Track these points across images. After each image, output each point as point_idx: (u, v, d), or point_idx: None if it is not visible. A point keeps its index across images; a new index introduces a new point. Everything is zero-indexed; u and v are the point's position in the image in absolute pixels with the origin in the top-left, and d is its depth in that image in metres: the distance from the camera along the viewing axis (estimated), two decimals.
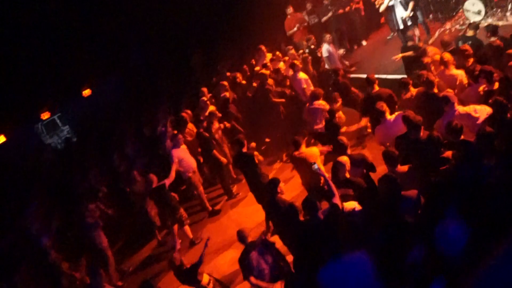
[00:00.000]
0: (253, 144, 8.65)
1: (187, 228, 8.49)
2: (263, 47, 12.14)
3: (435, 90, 6.68)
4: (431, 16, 12.55)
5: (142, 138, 11.67)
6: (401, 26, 10.61)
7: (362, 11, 13.42)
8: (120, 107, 14.84)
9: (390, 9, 10.91)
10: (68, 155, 12.89)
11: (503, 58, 6.77)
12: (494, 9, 10.90)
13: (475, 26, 8.54)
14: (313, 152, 7.02)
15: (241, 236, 5.81)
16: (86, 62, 14.63)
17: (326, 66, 11.08)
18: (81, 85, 14.87)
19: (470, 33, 8.41)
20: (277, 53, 12.15)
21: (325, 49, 11.05)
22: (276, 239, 6.44)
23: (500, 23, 10.44)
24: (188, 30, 14.87)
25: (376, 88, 7.62)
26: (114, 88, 15.65)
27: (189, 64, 15.21)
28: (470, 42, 8.16)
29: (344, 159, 5.90)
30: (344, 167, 5.83)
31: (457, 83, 7.07)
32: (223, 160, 9.27)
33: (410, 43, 9.20)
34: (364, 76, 11.00)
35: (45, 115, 14.70)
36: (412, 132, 5.85)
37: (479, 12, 10.76)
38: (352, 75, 11.31)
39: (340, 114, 8.16)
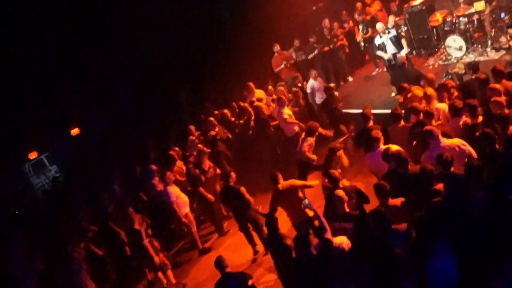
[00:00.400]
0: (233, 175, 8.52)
1: (169, 273, 8.43)
2: (251, 84, 12.29)
3: (433, 122, 6.77)
4: (414, 52, 12.92)
5: (130, 177, 11.60)
6: (393, 62, 10.81)
7: (346, 48, 13.75)
8: (108, 146, 14.80)
9: (380, 46, 11.14)
10: (55, 195, 12.74)
11: (486, 92, 6.94)
12: (475, 45, 11.27)
13: (463, 65, 8.82)
14: (293, 184, 7.08)
15: (218, 263, 5.79)
16: (74, 100, 14.66)
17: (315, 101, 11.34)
18: (69, 123, 14.85)
19: (456, 69, 8.68)
20: (270, 87, 12.33)
21: (309, 85, 11.39)
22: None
23: (481, 58, 10.78)
24: (175, 67, 15.00)
25: (371, 123, 7.69)
26: (102, 126, 15.65)
27: (176, 101, 15.28)
28: (449, 77, 8.42)
29: (341, 192, 5.91)
30: (342, 200, 5.84)
31: (441, 116, 7.21)
32: (210, 197, 9.26)
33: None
34: (352, 111, 11.30)
35: (33, 155, 14.61)
36: (400, 167, 5.92)
37: (460, 48, 11.13)
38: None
39: (342, 155, 7.92)
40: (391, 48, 10.95)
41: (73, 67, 14.33)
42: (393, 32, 11.03)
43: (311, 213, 6.60)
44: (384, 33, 11.02)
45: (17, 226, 11.30)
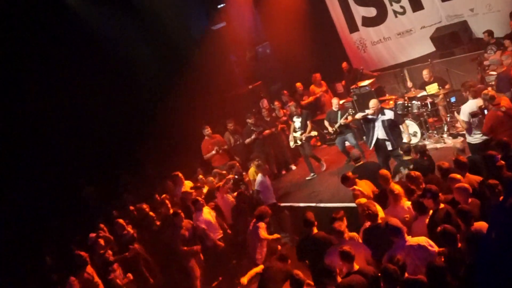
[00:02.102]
0: None
1: None
2: (179, 174, 12.00)
3: (379, 221, 6.90)
4: (364, 137, 13.48)
5: None
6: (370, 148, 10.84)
7: (287, 131, 13.93)
8: None
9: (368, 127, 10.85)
10: None
11: (447, 181, 7.23)
12: (430, 131, 11.98)
13: (407, 149, 9.27)
14: None
15: None
16: None
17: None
18: None
19: (406, 157, 9.10)
20: (200, 176, 12.23)
21: (258, 181, 10.77)
22: None
23: (438, 145, 11.44)
24: (81, 158, 14.36)
25: (315, 230, 7.48)
26: None
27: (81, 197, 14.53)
28: (411, 166, 8.72)
29: None
30: None
31: (409, 214, 7.26)
32: None
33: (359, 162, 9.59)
34: (295, 204, 11.38)
35: None
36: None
37: (414, 134, 11.76)
38: (283, 204, 11.49)
39: None
40: (381, 133, 10.60)
41: None
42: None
43: None
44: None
45: None
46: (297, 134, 12.80)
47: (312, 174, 12.93)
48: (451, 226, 5.92)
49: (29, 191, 13.57)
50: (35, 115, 13.66)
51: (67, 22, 13.95)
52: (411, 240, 6.22)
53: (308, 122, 12.76)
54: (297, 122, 12.88)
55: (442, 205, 6.71)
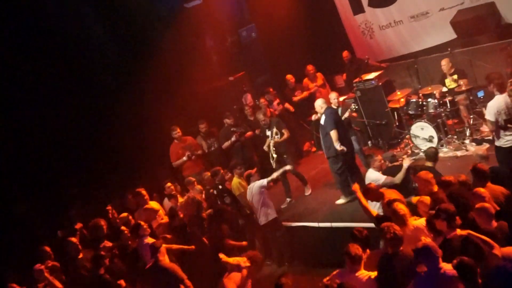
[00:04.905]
0: None
1: None
2: (143, 191, 11.84)
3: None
4: (369, 142, 13.34)
5: None
6: None
7: None
8: None
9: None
10: None
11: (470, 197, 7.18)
12: (449, 136, 11.85)
13: (433, 154, 9.21)
14: None
15: None
16: None
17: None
18: None
19: (428, 163, 9.08)
20: (168, 184, 12.15)
21: (256, 188, 11.02)
22: None
23: (459, 153, 11.31)
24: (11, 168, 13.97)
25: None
26: None
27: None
28: None
29: None
30: None
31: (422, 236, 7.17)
32: None
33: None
34: (289, 224, 11.31)
35: None
36: None
37: (430, 139, 11.64)
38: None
39: None
40: None
41: None
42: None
43: None
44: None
45: None
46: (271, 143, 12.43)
47: (288, 199, 12.61)
48: (469, 259, 5.79)
49: None
50: None
51: None
52: (445, 267, 5.98)
53: (283, 130, 12.44)
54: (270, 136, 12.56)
55: (458, 231, 6.58)
